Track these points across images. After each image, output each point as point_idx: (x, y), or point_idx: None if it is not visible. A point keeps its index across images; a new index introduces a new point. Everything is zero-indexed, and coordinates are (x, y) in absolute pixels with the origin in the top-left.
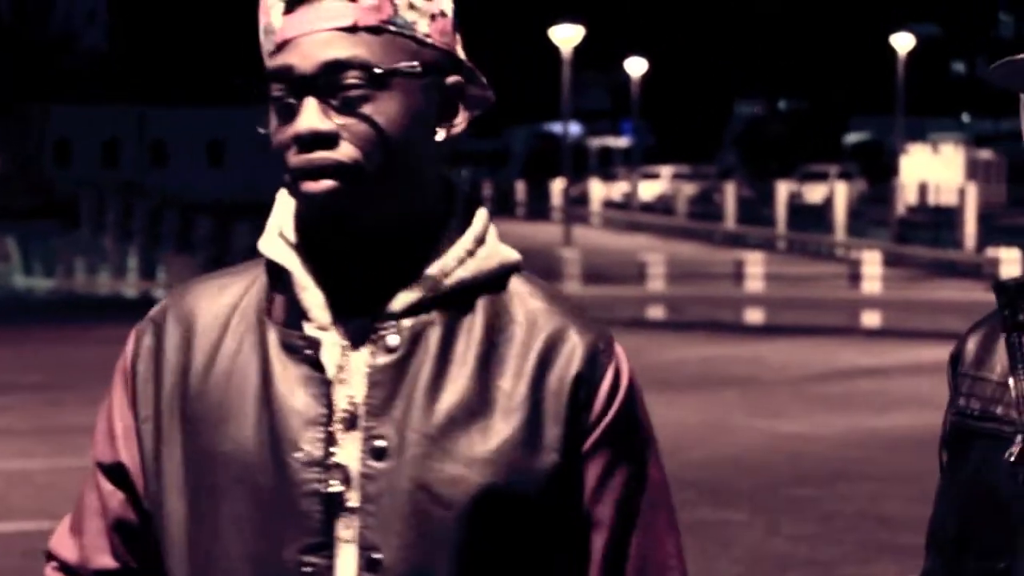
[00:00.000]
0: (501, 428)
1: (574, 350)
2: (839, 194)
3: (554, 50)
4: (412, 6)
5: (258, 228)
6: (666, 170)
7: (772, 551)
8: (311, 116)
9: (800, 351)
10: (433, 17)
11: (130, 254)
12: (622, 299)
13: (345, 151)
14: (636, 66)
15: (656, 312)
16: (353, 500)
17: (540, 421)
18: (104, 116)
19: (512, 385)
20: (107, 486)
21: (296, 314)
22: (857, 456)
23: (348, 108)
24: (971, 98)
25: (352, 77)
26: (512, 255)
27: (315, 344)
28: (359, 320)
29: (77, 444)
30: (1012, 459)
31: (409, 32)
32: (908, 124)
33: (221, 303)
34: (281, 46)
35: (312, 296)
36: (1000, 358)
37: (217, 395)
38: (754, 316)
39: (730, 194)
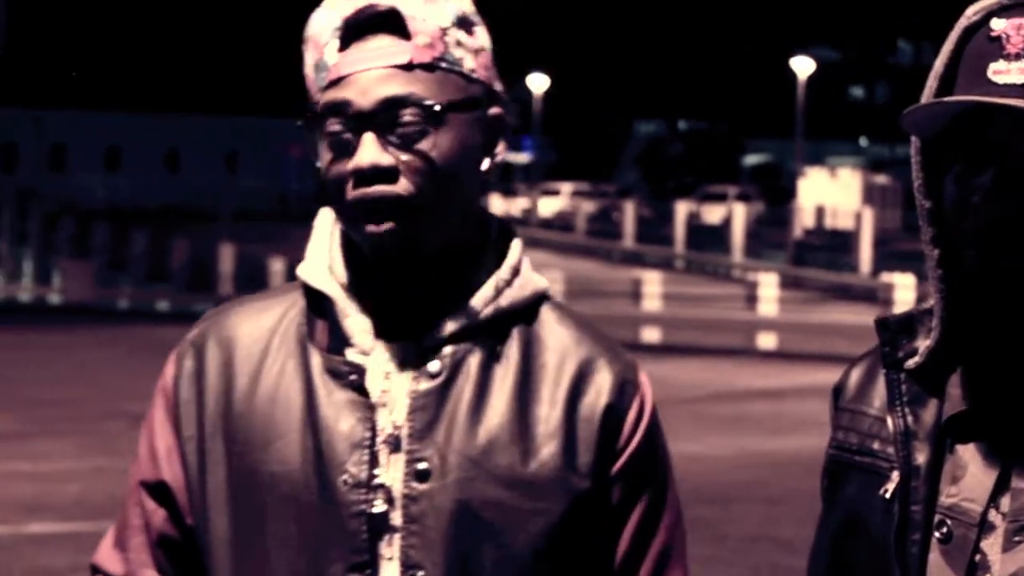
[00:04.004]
0: (539, 453)
1: (604, 380)
2: (737, 215)
3: None
4: (460, 43)
5: (154, 235)
6: (566, 187)
7: None
8: (371, 151)
9: (696, 371)
10: (476, 52)
11: (25, 259)
12: None
13: (403, 186)
14: (538, 82)
15: None
16: (396, 520)
17: (574, 447)
18: (0, 119)
19: (547, 412)
20: (150, 504)
21: (338, 340)
22: (750, 478)
23: (405, 144)
24: (869, 123)
25: (409, 114)
26: (543, 283)
27: (359, 370)
28: (401, 346)
29: None
30: (887, 495)
31: (458, 68)
32: (806, 147)
33: (261, 326)
34: (335, 82)
35: (354, 323)
36: (879, 392)
37: (261, 417)
38: (651, 335)
39: (629, 212)
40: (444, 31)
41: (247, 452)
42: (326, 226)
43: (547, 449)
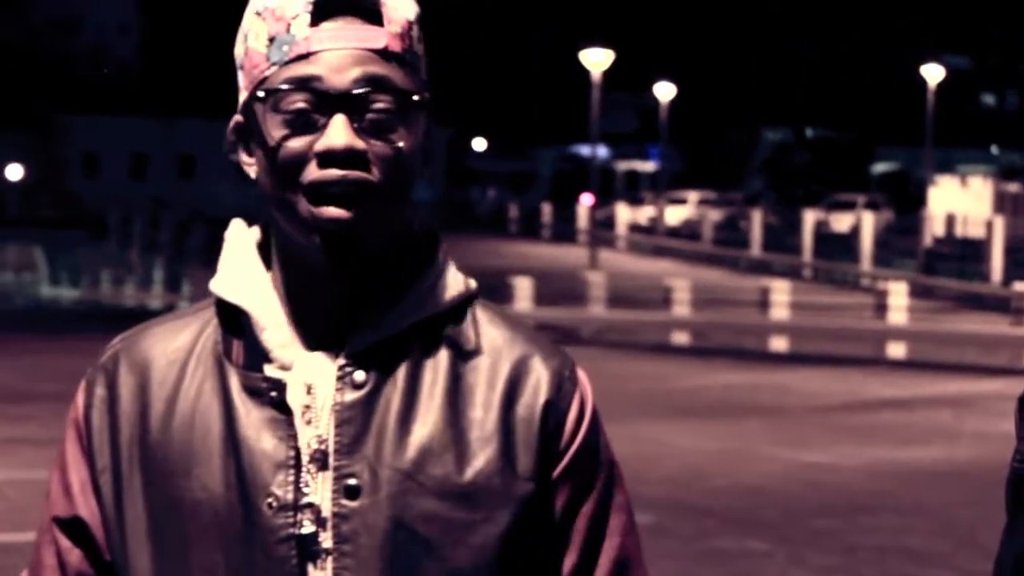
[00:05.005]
0: (475, 459)
1: (540, 378)
2: (866, 224)
3: (584, 73)
4: (419, 41)
5: None
6: (693, 195)
7: None
8: (345, 133)
9: (825, 381)
10: (423, 57)
11: (156, 266)
12: (647, 324)
13: (374, 173)
14: (665, 91)
15: (680, 338)
16: (326, 541)
17: (512, 450)
18: (133, 129)
19: (482, 416)
20: (65, 542)
21: (256, 355)
22: (880, 488)
23: (375, 131)
24: (1000, 130)
25: (383, 100)
26: (471, 284)
27: (279, 386)
28: (323, 357)
29: None
30: None
31: (417, 66)
32: (936, 155)
33: (175, 347)
34: (303, 57)
35: (272, 336)
36: None
37: (180, 443)
38: (779, 344)
39: (756, 221)
40: (411, 25)
41: (167, 481)
42: (239, 236)
43: (483, 455)
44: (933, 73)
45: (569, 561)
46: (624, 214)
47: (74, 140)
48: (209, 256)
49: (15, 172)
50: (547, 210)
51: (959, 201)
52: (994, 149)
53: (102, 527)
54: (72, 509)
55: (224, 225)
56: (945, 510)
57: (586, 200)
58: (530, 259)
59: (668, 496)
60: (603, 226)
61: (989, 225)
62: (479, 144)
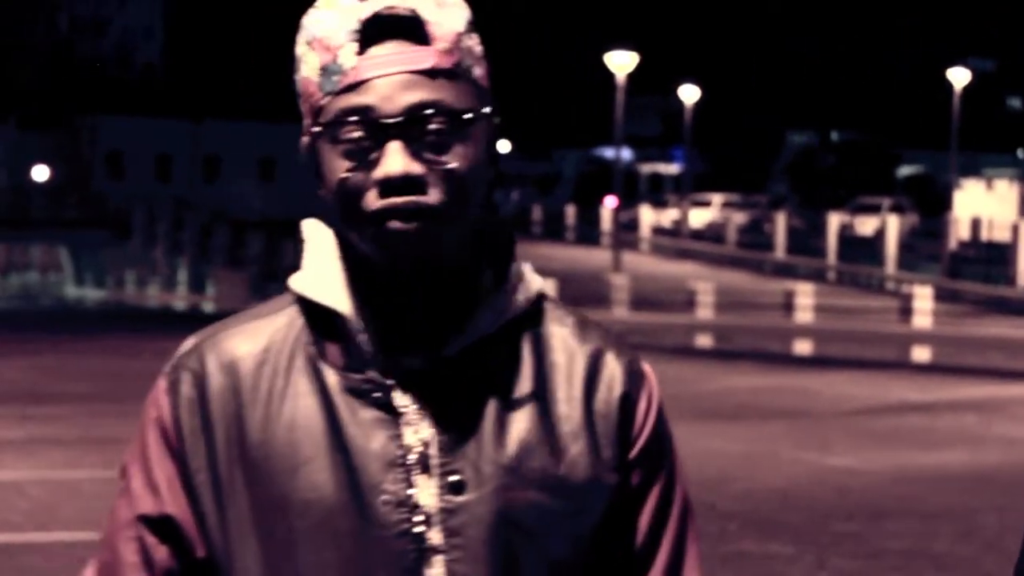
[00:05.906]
0: (568, 453)
1: (614, 372)
2: (891, 227)
3: (608, 75)
4: (471, 51)
5: None
6: (717, 198)
7: None
8: (401, 159)
9: (849, 384)
10: (481, 60)
11: (180, 267)
12: (670, 326)
13: (432, 195)
14: (689, 93)
15: (704, 340)
16: (435, 536)
17: (597, 443)
18: (157, 130)
19: (567, 411)
20: (151, 539)
21: (355, 357)
22: (905, 492)
23: (432, 152)
24: None
25: (436, 121)
26: (541, 282)
27: (384, 387)
28: (417, 360)
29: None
30: None
31: (471, 76)
32: (962, 159)
33: (262, 347)
34: (353, 86)
35: (369, 338)
36: None
37: (283, 443)
38: (803, 347)
39: (781, 224)
40: (459, 37)
41: (271, 480)
42: (320, 236)
43: (575, 448)
44: (959, 76)
45: (638, 540)
46: (648, 216)
47: (99, 141)
48: (232, 257)
49: (41, 173)
50: (571, 212)
51: (984, 204)
52: (1020, 153)
53: (194, 523)
54: (161, 507)
55: (247, 226)
56: (970, 515)
57: (610, 202)
58: (554, 261)
59: (692, 499)
60: (627, 228)
61: (1015, 229)
62: (503, 146)
